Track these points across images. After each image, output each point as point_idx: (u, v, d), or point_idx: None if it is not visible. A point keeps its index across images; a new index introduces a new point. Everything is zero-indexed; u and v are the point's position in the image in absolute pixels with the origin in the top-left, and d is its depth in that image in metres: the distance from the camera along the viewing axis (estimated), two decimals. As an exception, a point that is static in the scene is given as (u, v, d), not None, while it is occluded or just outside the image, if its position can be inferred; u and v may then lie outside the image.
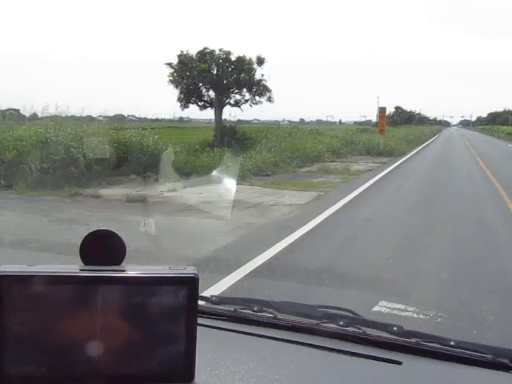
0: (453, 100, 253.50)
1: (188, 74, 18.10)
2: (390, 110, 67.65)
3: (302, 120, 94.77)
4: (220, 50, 18.63)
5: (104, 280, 0.66)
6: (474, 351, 1.14)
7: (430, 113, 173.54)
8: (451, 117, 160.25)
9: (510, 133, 58.62)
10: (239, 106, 20.55)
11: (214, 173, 12.91)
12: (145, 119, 64.63)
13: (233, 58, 18.99)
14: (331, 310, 1.34)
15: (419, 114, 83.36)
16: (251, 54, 19.93)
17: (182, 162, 13.14)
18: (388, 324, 1.23)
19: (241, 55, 19.07)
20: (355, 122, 48.65)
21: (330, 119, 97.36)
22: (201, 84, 18.41)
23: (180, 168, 13.11)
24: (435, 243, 6.63)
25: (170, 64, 18.54)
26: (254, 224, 7.77)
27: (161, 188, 11.44)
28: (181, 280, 0.67)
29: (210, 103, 20.10)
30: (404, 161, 21.29)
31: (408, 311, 4.09)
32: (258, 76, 20.62)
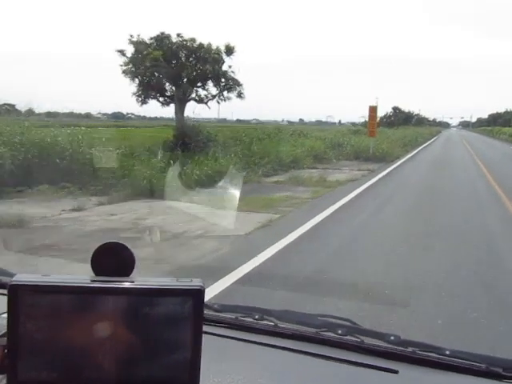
0: (453, 101, 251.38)
1: (147, 64, 15.31)
2: (387, 110, 64.96)
3: (301, 120, 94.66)
4: (178, 35, 15.92)
5: (114, 291, 0.68)
6: (468, 360, 1.17)
7: (430, 114, 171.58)
8: (451, 118, 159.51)
9: (512, 135, 55.90)
10: (206, 103, 17.77)
11: (147, 186, 10.17)
12: (143, 117, 63.99)
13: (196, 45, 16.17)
14: (330, 319, 1.37)
15: (418, 114, 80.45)
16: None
17: (110, 171, 10.39)
18: (385, 333, 1.26)
19: (205, 42, 16.24)
20: (354, 123, 45.67)
21: (330, 119, 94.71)
22: (160, 76, 15.62)
23: (106, 178, 10.37)
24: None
25: (121, 51, 15.78)
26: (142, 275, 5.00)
27: (66, 205, 8.70)
28: (187, 291, 0.69)
29: (173, 98, 17.31)
30: (395, 168, 18.54)
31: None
32: (233, 70, 17.86)
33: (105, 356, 0.69)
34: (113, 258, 0.73)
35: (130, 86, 16.33)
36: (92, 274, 0.72)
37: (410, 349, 1.20)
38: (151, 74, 16.21)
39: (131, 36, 15.27)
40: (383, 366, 1.15)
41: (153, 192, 10.01)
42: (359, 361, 1.17)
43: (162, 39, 15.62)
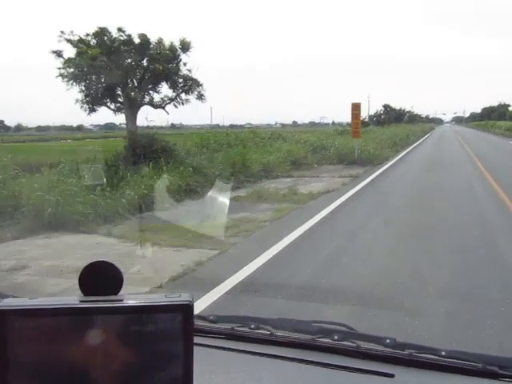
0: (445, 97, 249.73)
1: (85, 63, 13.02)
2: (377, 108, 62.82)
3: (294, 122, 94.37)
4: (120, 29, 13.52)
5: (102, 310, 0.68)
6: (464, 360, 1.18)
7: (423, 110, 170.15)
8: (444, 114, 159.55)
9: (509, 128, 53.50)
10: (162, 107, 15.48)
11: (55, 214, 7.89)
12: (138, 127, 63.23)
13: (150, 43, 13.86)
14: (326, 325, 1.37)
15: (410, 111, 78.25)
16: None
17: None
18: (381, 337, 1.26)
19: (156, 38, 13.89)
20: (341, 123, 43.41)
21: (323, 120, 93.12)
22: (101, 77, 13.30)
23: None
24: None
25: (57, 52, 13.33)
26: None
27: None
28: (176, 307, 0.69)
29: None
30: (382, 173, 16.31)
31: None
32: (190, 69, 15.60)
33: (96, 376, 0.68)
34: (100, 277, 0.72)
35: (69, 93, 14.16)
36: (80, 294, 0.72)
37: (406, 351, 1.22)
38: (96, 76, 13.97)
39: (62, 33, 12.91)
40: (380, 370, 1.17)
41: (63, 223, 7.74)
42: (356, 366, 1.19)
43: (100, 35, 13.36)
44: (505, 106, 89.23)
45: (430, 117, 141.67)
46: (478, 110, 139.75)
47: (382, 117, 55.56)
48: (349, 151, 19.91)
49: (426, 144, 35.17)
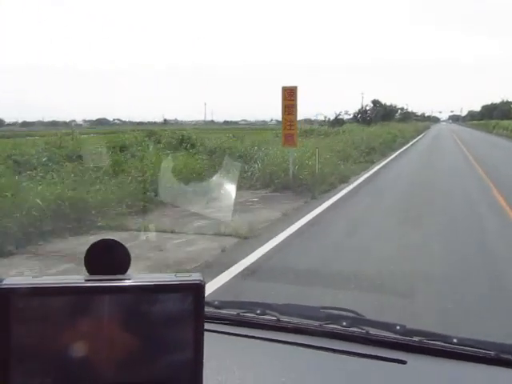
0: (441, 95, 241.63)
1: None
2: (365, 103, 54.95)
3: (326, 117, 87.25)
4: None
5: (109, 289, 0.66)
6: (477, 348, 1.15)
7: (419, 109, 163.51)
8: (440, 112, 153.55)
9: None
10: None
11: None
12: (130, 123, 66.22)
13: None
14: (334, 311, 1.36)
15: (402, 108, 70.10)
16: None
17: None
18: (391, 323, 1.24)
19: None
20: (325, 120, 35.48)
21: (318, 117, 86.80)
22: None
23: None
24: None
25: None
26: None
27: None
28: (187, 287, 0.66)
29: None
30: (318, 219, 8.21)
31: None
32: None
33: (102, 358, 0.66)
34: (107, 256, 0.69)
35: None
36: (86, 273, 0.69)
37: (416, 338, 1.19)
38: None
39: None
40: (390, 356, 1.14)
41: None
42: (366, 352, 1.16)
43: None
44: (508, 104, 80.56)
45: (426, 115, 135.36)
46: (476, 108, 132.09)
47: (368, 114, 47.34)
48: (284, 167, 11.88)
49: (416, 150, 27.03)
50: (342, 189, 11.44)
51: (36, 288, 0.64)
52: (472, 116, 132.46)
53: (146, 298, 0.66)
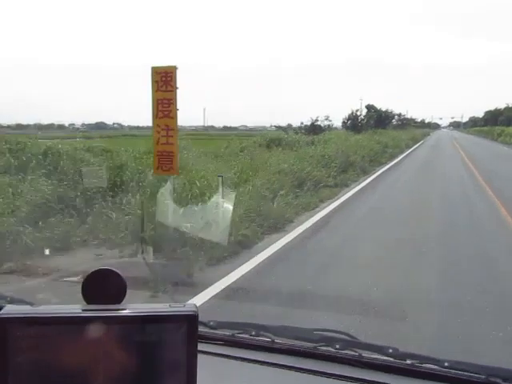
0: (441, 102, 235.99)
1: None
2: (359, 109, 50.05)
3: (289, 125, 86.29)
4: None
5: (105, 320, 0.67)
6: (467, 371, 1.17)
7: (418, 115, 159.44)
8: (440, 118, 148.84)
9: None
10: None
11: None
12: (129, 127, 67.39)
13: None
14: (328, 333, 1.34)
15: (400, 114, 64.93)
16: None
17: None
18: (383, 346, 1.24)
19: None
20: (284, 127, 29.83)
21: (328, 123, 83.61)
22: None
23: None
24: None
25: None
26: None
27: None
28: (181, 317, 0.68)
29: None
30: None
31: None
32: None
33: None
34: (104, 285, 0.70)
35: None
36: (83, 302, 0.70)
37: (408, 361, 1.20)
38: None
39: None
40: (383, 381, 1.15)
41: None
42: (358, 376, 1.17)
43: None
44: None
45: (426, 121, 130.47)
46: (478, 114, 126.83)
47: (361, 120, 42.19)
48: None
49: (411, 163, 22.00)
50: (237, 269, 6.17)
51: (33, 317, 0.65)
52: (474, 122, 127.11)
53: (141, 327, 0.66)
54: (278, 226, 7.71)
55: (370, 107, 52.31)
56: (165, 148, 6.41)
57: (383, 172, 17.43)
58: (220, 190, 6.85)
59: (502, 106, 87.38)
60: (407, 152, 29.75)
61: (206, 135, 50.51)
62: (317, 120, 26.79)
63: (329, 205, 10.22)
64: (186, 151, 15.72)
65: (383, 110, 53.60)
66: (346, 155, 17.25)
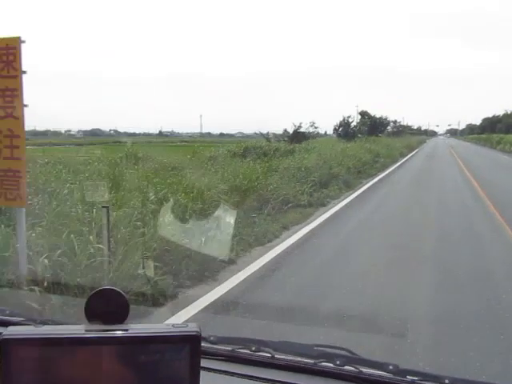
0: (438, 109, 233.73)
1: None
2: (351, 116, 48.07)
3: (286, 131, 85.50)
4: None
5: (108, 340, 0.67)
6: None
7: (416, 122, 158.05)
8: (437, 126, 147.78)
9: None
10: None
11: None
12: (125, 133, 65.87)
13: None
14: (328, 349, 1.33)
15: (395, 121, 62.86)
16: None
17: None
18: (384, 363, 1.23)
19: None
20: (265, 135, 27.21)
21: (314, 130, 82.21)
22: None
23: None
24: None
25: None
26: None
27: None
28: (184, 338, 0.68)
29: None
30: None
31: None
32: None
33: None
34: (107, 305, 0.70)
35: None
36: (85, 320, 0.69)
37: (408, 378, 1.19)
38: None
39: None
40: None
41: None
42: None
43: None
44: None
45: (423, 129, 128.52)
46: (475, 122, 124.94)
47: (354, 127, 39.91)
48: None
49: (405, 174, 19.77)
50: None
51: (37, 339, 0.65)
52: (471, 129, 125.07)
53: (144, 348, 0.66)
54: (206, 276, 5.43)
55: (363, 114, 50.21)
56: (10, 165, 4.15)
57: (370, 187, 15.10)
58: (105, 226, 4.57)
59: (500, 112, 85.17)
60: (401, 161, 27.43)
61: (199, 142, 48.50)
62: (300, 126, 24.33)
63: (294, 233, 7.95)
64: (142, 163, 13.59)
65: (377, 116, 51.57)
66: (328, 167, 15.04)
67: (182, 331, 0.67)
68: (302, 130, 23.41)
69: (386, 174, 19.15)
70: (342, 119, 38.79)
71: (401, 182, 16.85)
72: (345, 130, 38.51)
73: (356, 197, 12.76)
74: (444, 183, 16.46)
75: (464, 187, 15.46)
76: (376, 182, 16.20)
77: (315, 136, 24.53)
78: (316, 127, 23.59)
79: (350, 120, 39.18)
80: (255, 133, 27.04)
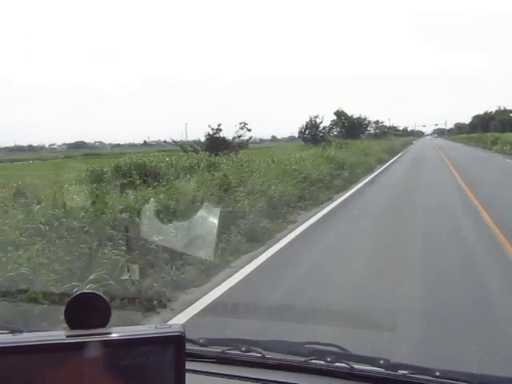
0: (424, 109, 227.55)
1: None
2: (326, 117, 41.36)
3: (273, 137, 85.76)
4: None
5: (90, 345, 0.64)
6: (459, 380, 1.17)
7: (402, 123, 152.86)
8: (424, 126, 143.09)
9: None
10: None
11: None
12: (109, 145, 67.37)
13: None
14: (318, 347, 1.33)
15: (377, 122, 56.09)
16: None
17: None
18: (375, 358, 1.23)
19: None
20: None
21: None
22: None
23: None
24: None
25: None
26: None
27: None
28: (167, 339, 0.66)
29: None
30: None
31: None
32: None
33: None
34: (87, 309, 0.67)
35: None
36: (66, 326, 0.66)
37: (400, 372, 1.19)
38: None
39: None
40: None
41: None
42: None
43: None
44: (506, 112, 65.92)
45: (410, 129, 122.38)
46: (464, 120, 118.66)
47: (323, 128, 33.17)
48: None
49: (364, 219, 12.98)
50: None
51: (16, 347, 0.62)
52: (459, 129, 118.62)
53: (128, 351, 0.64)
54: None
55: (339, 114, 43.59)
56: None
57: (303, 233, 8.23)
58: None
59: (492, 109, 78.08)
60: (375, 173, 20.61)
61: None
62: (218, 130, 16.94)
63: None
64: None
65: (355, 117, 44.95)
66: (232, 200, 8.19)
67: (165, 332, 0.65)
68: (224, 134, 16.37)
69: (344, 201, 12.05)
70: (308, 121, 31.96)
71: (365, 218, 9.91)
72: (312, 133, 31.78)
73: (258, 267, 5.86)
74: (435, 211, 9.67)
75: (466, 216, 8.69)
76: (314, 224, 9.16)
77: (247, 142, 17.50)
78: (249, 129, 16.49)
79: (318, 121, 32.41)
80: (165, 141, 19.94)
